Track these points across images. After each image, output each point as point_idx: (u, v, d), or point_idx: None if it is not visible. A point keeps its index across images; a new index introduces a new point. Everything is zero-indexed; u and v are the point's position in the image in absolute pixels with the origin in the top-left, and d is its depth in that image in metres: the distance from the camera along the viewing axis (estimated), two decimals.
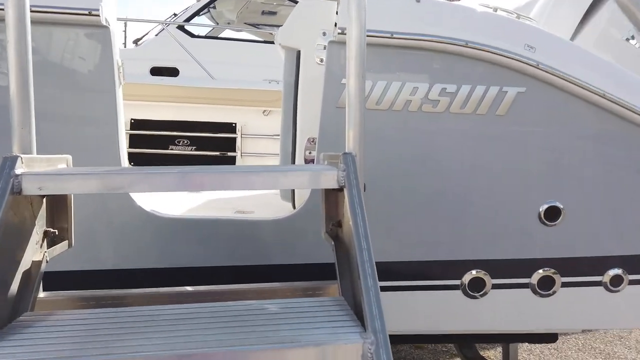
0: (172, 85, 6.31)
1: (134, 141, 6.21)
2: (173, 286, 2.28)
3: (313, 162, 2.55)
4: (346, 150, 1.80)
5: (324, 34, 2.52)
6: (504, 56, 2.32)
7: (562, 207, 2.45)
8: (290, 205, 2.74)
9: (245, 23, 11.08)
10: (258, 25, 11.52)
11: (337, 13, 2.38)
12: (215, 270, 2.38)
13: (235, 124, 6.33)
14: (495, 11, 2.54)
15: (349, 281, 1.65)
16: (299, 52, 2.63)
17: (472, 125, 2.38)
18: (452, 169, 2.43)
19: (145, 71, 8.48)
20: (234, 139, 6.31)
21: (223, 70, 8.64)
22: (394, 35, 2.28)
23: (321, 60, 2.55)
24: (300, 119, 2.66)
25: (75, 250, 1.88)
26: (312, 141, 2.62)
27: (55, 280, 2.03)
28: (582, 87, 2.36)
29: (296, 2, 8.75)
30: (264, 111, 6.28)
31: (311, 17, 2.54)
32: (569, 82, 2.35)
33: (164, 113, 6.27)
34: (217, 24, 10.49)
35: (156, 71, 8.49)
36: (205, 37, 9.15)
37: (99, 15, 2.19)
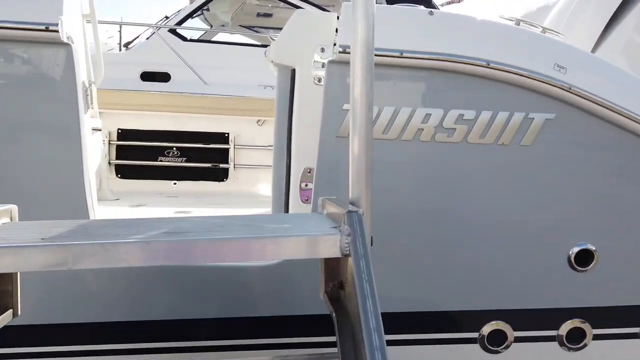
0: (161, 93, 5.97)
1: (121, 152, 5.87)
2: (145, 342, 1.98)
3: (309, 198, 2.24)
4: (350, 198, 1.48)
5: (322, 50, 2.20)
6: (531, 78, 2.00)
7: (594, 249, 2.13)
8: None
9: (240, 25, 10.77)
10: (253, 27, 11.22)
11: (337, 30, 2.06)
12: (194, 323, 2.07)
13: (228, 134, 5.99)
14: (518, 24, 2.22)
15: None
16: (293, 70, 2.30)
17: (493, 157, 2.07)
18: (470, 207, 2.11)
19: (135, 76, 8.15)
20: (227, 150, 5.96)
21: (216, 75, 8.32)
22: (404, 54, 1.96)
23: (319, 80, 2.23)
24: (295, 144, 2.33)
25: (28, 302, 1.56)
26: (309, 172, 2.29)
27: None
28: (620, 114, 2.04)
29: (292, 5, 8.47)
30: (258, 121, 5.94)
31: (307, 30, 2.21)
32: (606, 107, 2.04)
33: (153, 122, 5.93)
34: (211, 26, 10.17)
35: (147, 76, 8.18)
36: (198, 40, 8.82)
37: (58, 32, 1.87)
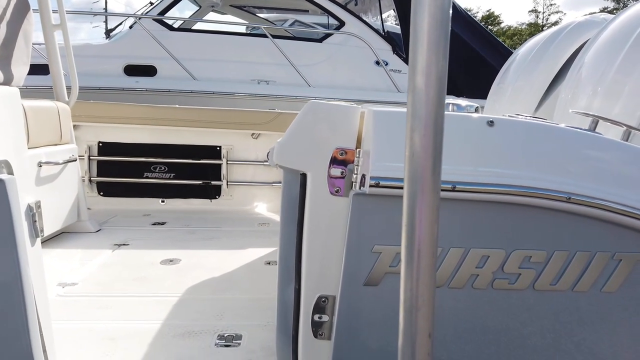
0: (145, 106, 5.40)
1: (102, 168, 5.36)
2: None
3: (324, 334, 1.77)
4: None
5: (342, 153, 1.69)
6: (622, 213, 1.51)
7: None
8: None
9: (231, 5, 10.11)
10: (245, 7, 10.57)
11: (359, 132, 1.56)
12: None
13: (220, 147, 5.47)
14: (596, 125, 1.70)
15: None
16: (304, 175, 1.78)
17: (566, 307, 1.60)
18: None
19: (118, 70, 7.56)
20: (219, 166, 5.46)
21: (206, 68, 7.72)
22: (457, 188, 1.46)
23: (337, 191, 1.72)
24: (307, 267, 1.83)
25: None
26: (325, 301, 1.81)
27: None
28: None
29: None
30: (253, 134, 5.42)
31: (322, 128, 1.69)
32: None
33: (137, 135, 5.39)
34: (200, 7, 9.49)
35: (131, 70, 7.57)
36: (186, 30, 8.15)
37: None
